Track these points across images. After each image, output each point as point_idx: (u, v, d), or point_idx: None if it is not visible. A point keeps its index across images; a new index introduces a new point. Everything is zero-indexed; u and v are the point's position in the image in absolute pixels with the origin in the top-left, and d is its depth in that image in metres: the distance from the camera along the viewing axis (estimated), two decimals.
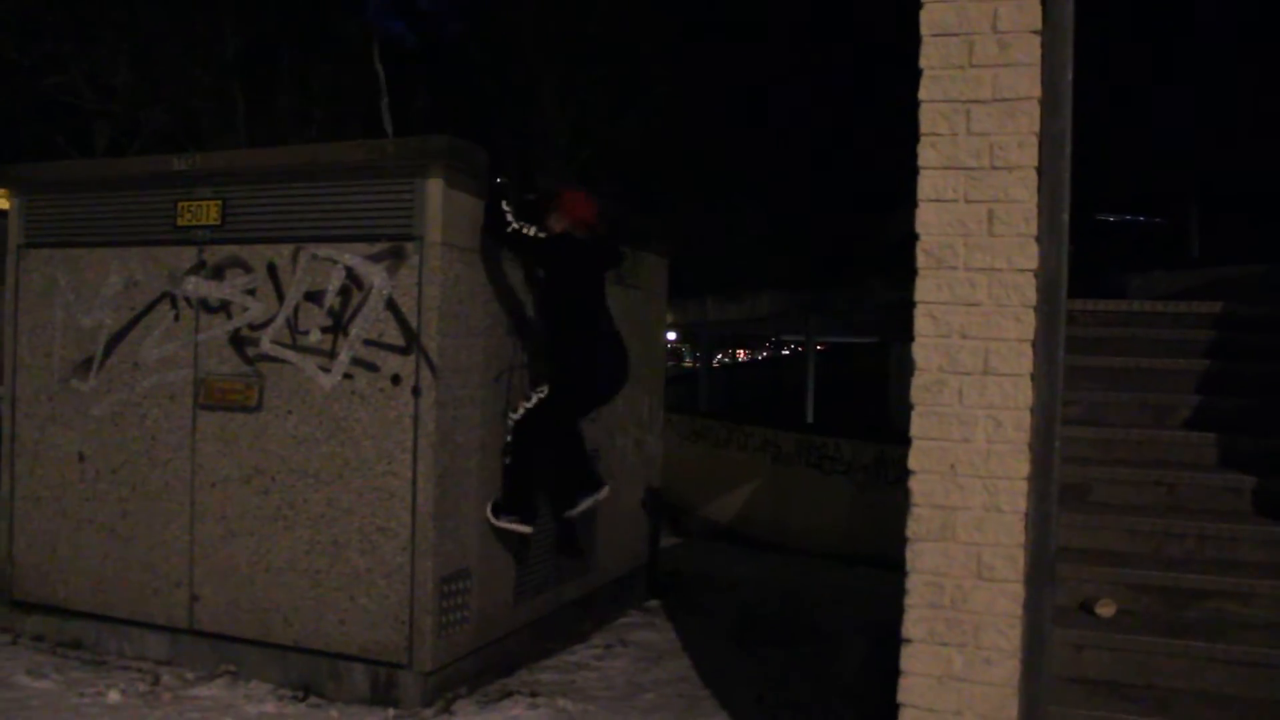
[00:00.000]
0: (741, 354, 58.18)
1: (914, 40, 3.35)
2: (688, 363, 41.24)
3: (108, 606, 5.69)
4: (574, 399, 5.47)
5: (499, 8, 18.00)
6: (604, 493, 5.73)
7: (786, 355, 38.65)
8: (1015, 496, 3.22)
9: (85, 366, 5.81)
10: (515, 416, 5.38)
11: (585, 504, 5.66)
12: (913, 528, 3.27)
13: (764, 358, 46.18)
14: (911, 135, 3.32)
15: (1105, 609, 3.84)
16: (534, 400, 5.35)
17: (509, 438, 5.41)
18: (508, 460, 5.44)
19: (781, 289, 14.47)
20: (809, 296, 13.85)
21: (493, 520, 5.39)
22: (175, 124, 19.46)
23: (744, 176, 21.04)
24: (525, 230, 5.17)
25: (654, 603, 7.55)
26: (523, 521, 5.43)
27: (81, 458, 5.82)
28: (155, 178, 5.66)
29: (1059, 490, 3.32)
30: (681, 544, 10.63)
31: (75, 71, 18.80)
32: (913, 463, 3.27)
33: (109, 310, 5.76)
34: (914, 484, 3.27)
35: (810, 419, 13.82)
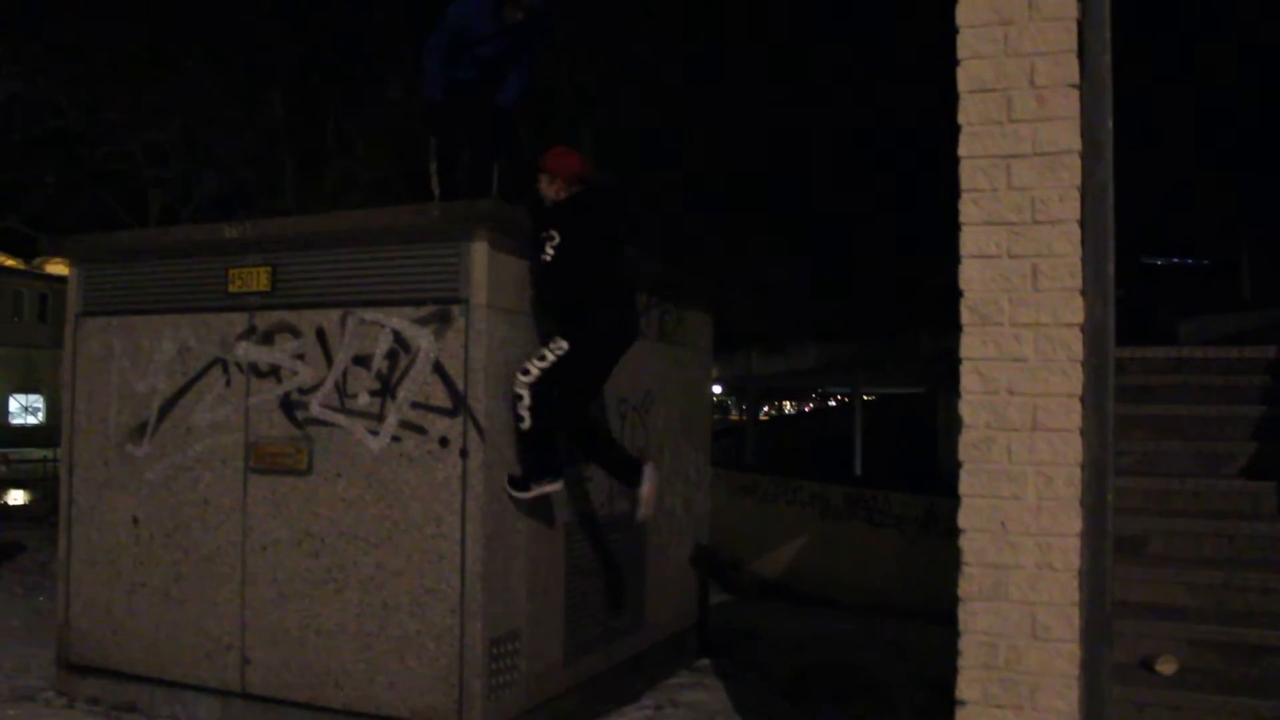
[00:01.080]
0: (788, 406, 57.99)
1: (951, 91, 3.37)
2: (733, 416, 41.12)
3: (161, 669, 5.73)
4: (591, 354, 5.21)
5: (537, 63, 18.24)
6: (649, 474, 5.27)
7: (833, 406, 38.45)
8: (1069, 554, 3.17)
9: (140, 431, 5.91)
10: (526, 379, 5.06)
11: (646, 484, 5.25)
12: (965, 587, 3.23)
13: (810, 409, 45.96)
14: (953, 186, 3.33)
15: (1166, 666, 3.75)
16: (548, 359, 5.07)
17: (525, 400, 5.08)
18: (525, 425, 5.11)
19: (826, 342, 14.43)
20: (854, 349, 13.79)
21: (522, 495, 5.15)
22: (225, 188, 19.90)
23: (786, 227, 21.07)
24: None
25: (705, 661, 7.48)
26: (553, 480, 5.20)
27: (136, 521, 5.90)
28: (207, 245, 5.78)
29: (1114, 544, 3.27)
30: (731, 600, 10.54)
31: (132, 140, 19.29)
32: (963, 521, 3.24)
33: (163, 376, 5.86)
34: (965, 542, 3.24)
35: (858, 471, 13.71)
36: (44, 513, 15.97)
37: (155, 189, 22.52)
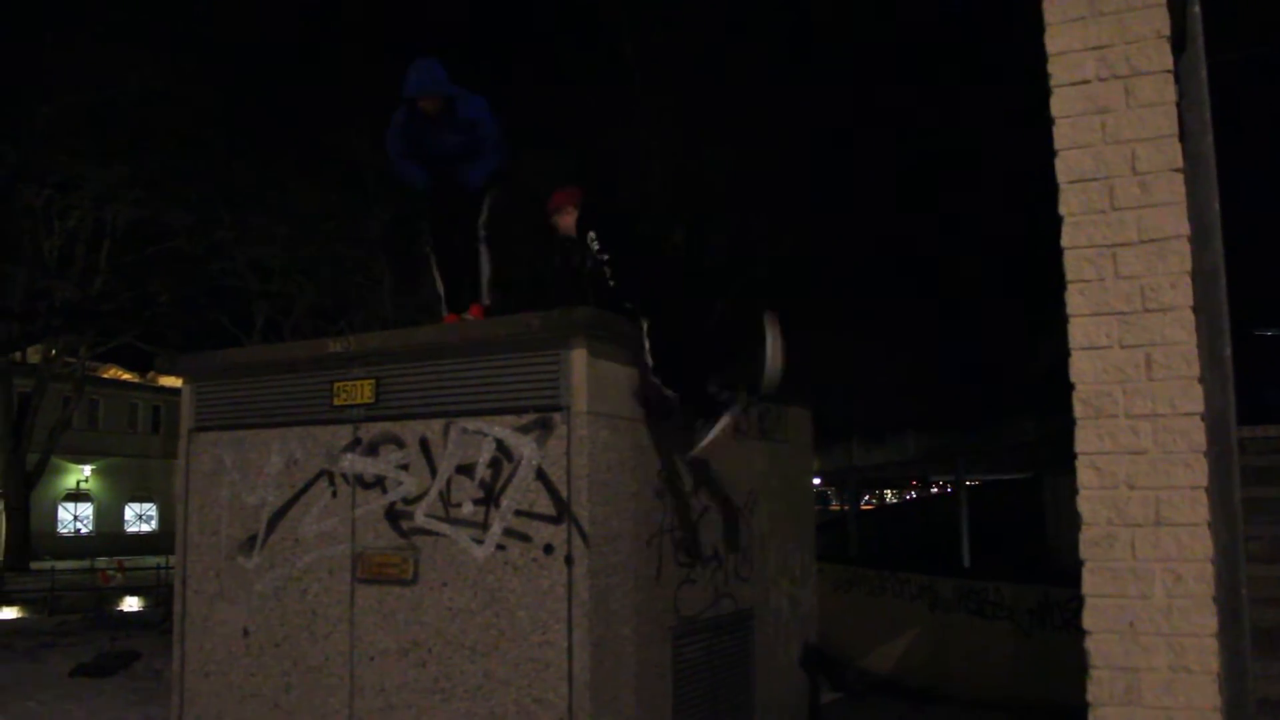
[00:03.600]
0: (889, 495, 56.97)
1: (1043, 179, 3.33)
2: (834, 506, 40.52)
3: None
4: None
5: (629, 179, 18.60)
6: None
7: (935, 494, 37.66)
8: (1204, 654, 3.02)
9: (249, 543, 6.02)
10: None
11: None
12: (1093, 692, 3.08)
13: (912, 498, 45.09)
14: (1049, 272, 3.27)
15: None
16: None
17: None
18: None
19: (926, 430, 14.21)
20: (955, 436, 13.54)
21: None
22: (326, 299, 20.52)
23: (882, 316, 20.94)
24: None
25: None
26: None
27: (246, 633, 5.98)
28: (312, 360, 5.94)
29: (1252, 638, 3.11)
30: (841, 699, 10.26)
31: (238, 257, 20.06)
32: (1087, 622, 3.11)
33: (271, 488, 5.99)
34: (1091, 644, 3.10)
35: (966, 562, 13.34)
36: (158, 619, 16.29)
37: (260, 301, 23.33)
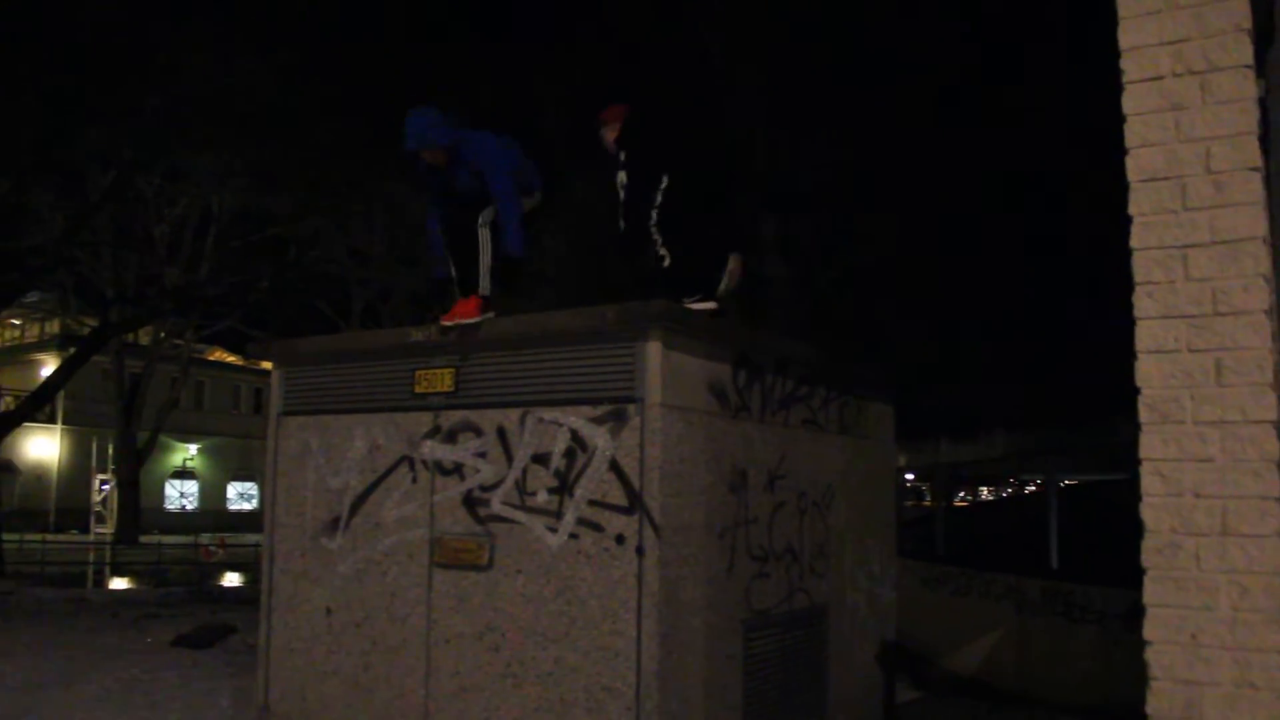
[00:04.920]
0: (985, 492, 55.94)
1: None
2: (927, 502, 40.02)
3: None
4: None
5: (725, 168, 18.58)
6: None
7: (1031, 493, 36.95)
8: (1271, 671, 2.94)
9: (333, 525, 6.20)
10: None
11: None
12: (1153, 704, 3.02)
13: (1007, 496, 44.27)
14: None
15: None
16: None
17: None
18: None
19: (1017, 428, 13.96)
20: (1046, 435, 13.28)
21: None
22: (423, 285, 20.88)
23: (974, 310, 20.63)
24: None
25: None
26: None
27: (329, 612, 6.16)
28: (395, 349, 6.08)
29: None
30: (922, 698, 10.16)
31: (338, 244, 20.51)
32: (1149, 632, 3.05)
33: (354, 473, 6.15)
34: (1151, 655, 3.04)
35: (1055, 564, 13.08)
36: (256, 595, 16.79)
37: (359, 287, 23.83)
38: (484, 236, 5.98)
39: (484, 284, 5.96)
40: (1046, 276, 19.70)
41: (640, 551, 5.05)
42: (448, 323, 5.82)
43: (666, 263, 6.09)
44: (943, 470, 16.92)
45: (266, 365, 7.05)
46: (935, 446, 15.97)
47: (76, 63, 15.94)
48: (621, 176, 6.12)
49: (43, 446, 44.33)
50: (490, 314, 5.81)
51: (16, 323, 47.34)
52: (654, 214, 6.10)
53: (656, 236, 6.12)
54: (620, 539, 5.12)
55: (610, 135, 6.33)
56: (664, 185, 6.09)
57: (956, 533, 18.24)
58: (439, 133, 5.94)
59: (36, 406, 21.02)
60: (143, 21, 16.03)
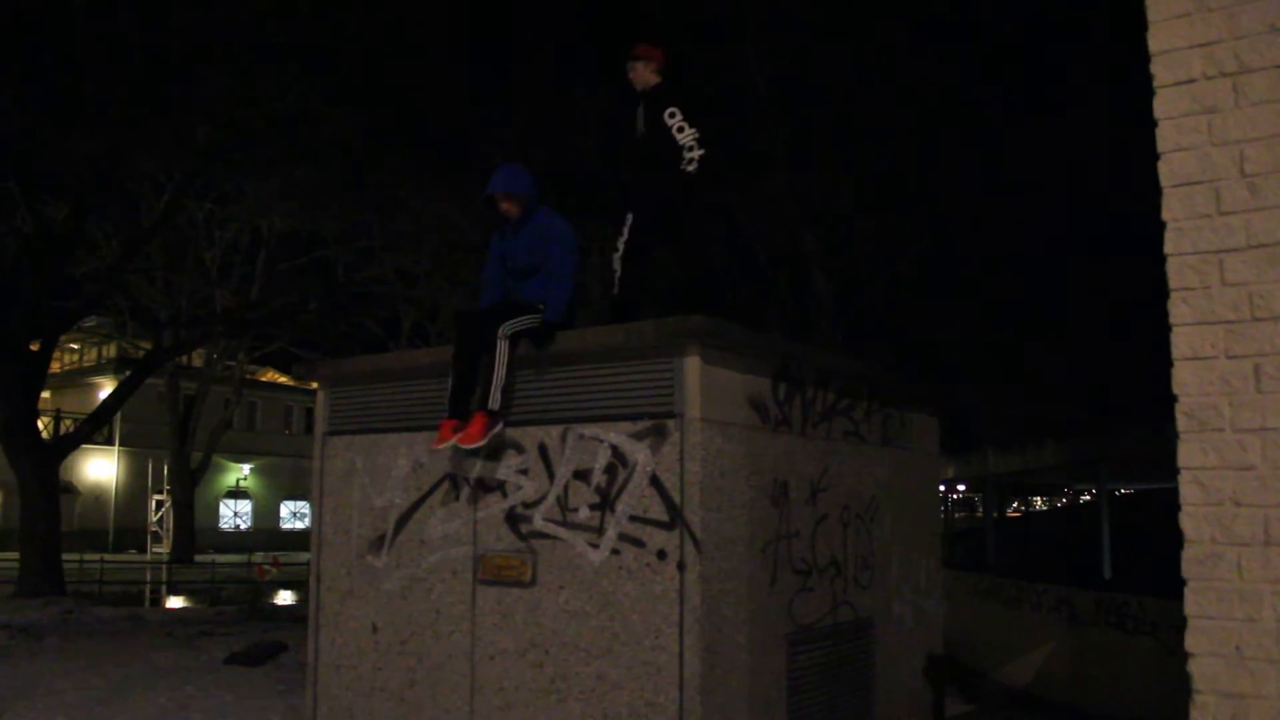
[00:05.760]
0: (1038, 502, 55.25)
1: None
2: (978, 513, 39.64)
3: None
4: None
5: (758, 175, 18.60)
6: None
7: (1086, 503, 36.43)
8: None
9: (378, 543, 6.26)
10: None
11: None
12: (1196, 717, 2.98)
13: (1061, 506, 43.69)
14: None
15: None
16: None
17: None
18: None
19: (1065, 438, 13.79)
20: (1094, 444, 13.10)
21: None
22: (471, 304, 21.10)
23: (1023, 317, 20.44)
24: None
25: None
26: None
27: (375, 629, 6.22)
28: (436, 368, 6.12)
29: None
30: (972, 712, 10.05)
31: (385, 264, 20.72)
32: (1190, 644, 3.00)
33: (399, 491, 6.21)
34: (1194, 667, 2.99)
35: (1107, 574, 12.88)
36: (307, 613, 16.95)
37: (407, 306, 24.05)
38: (502, 350, 5.70)
39: (494, 399, 5.67)
40: (1098, 281, 19.47)
41: (682, 567, 5.06)
42: (440, 446, 5.69)
43: (615, 292, 6.41)
44: (993, 481, 16.74)
45: (315, 385, 7.13)
46: (984, 457, 15.81)
47: (132, 91, 16.28)
48: (670, 130, 6.28)
49: (101, 468, 45.11)
50: (499, 428, 5.69)
51: (75, 347, 48.27)
52: (620, 246, 6.39)
53: (616, 267, 6.41)
54: (662, 554, 5.13)
55: (645, 74, 6.51)
56: (629, 223, 6.39)
57: (1008, 544, 18.04)
58: (525, 183, 6.01)
59: (94, 428, 21.42)
60: (195, 48, 16.35)
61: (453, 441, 5.63)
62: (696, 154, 6.24)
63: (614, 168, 6.62)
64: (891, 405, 7.10)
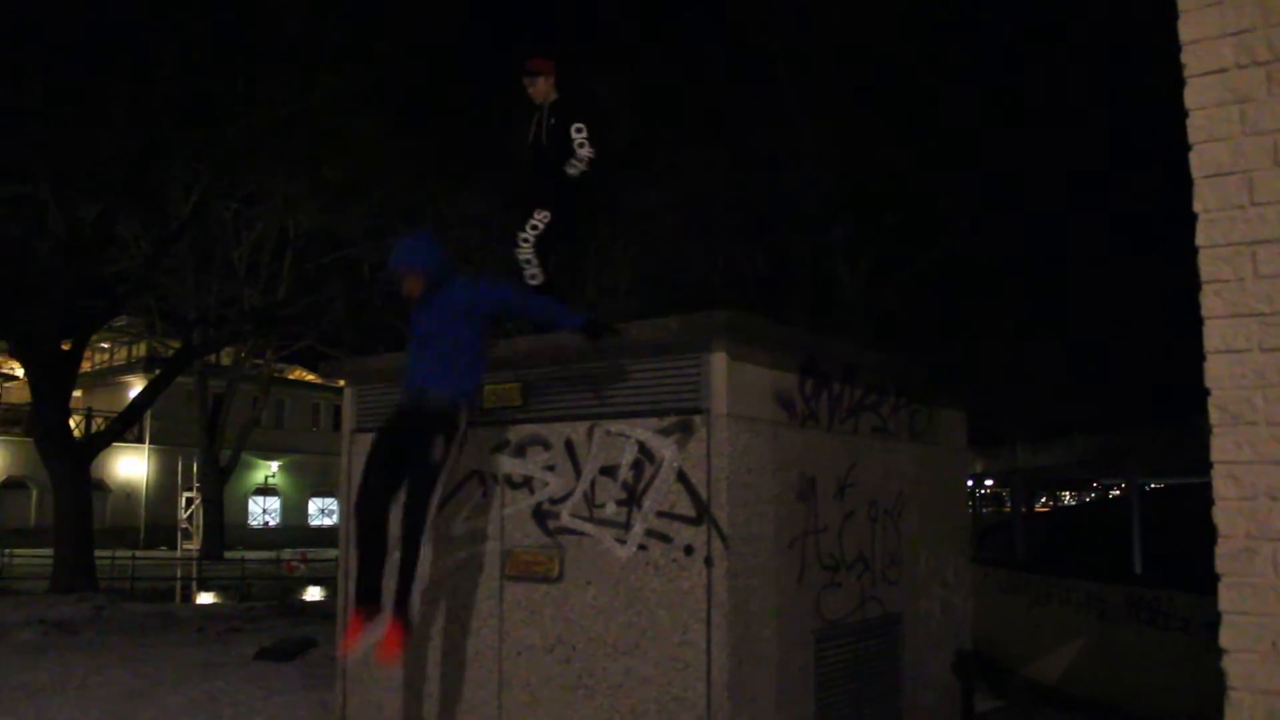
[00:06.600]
0: (1067, 497, 54.84)
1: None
2: (1006, 508, 39.39)
3: None
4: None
5: (784, 168, 18.56)
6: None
7: (1114, 498, 36.15)
8: None
9: None
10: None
11: None
12: (1231, 715, 2.94)
13: (1090, 500, 43.36)
14: None
15: None
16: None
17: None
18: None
19: (1094, 431, 13.68)
20: (1123, 438, 12.98)
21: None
22: None
23: (1047, 312, 20.30)
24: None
25: None
26: None
27: None
28: None
29: None
30: (1000, 708, 9.97)
31: None
32: (1225, 640, 2.97)
33: None
34: (1228, 664, 2.96)
35: (1138, 569, 12.77)
36: (337, 609, 17.05)
37: None
38: (426, 541, 5.00)
39: (414, 604, 5.03)
40: (1124, 274, 19.31)
41: (709, 562, 5.06)
42: (347, 654, 5.39)
43: (538, 281, 6.54)
44: (1021, 476, 16.63)
45: (341, 383, 7.15)
46: (1013, 452, 15.71)
47: (161, 92, 16.41)
48: (575, 145, 6.48)
49: (132, 465, 45.53)
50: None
51: (105, 346, 48.71)
52: (531, 237, 6.51)
53: (531, 257, 6.53)
54: (689, 550, 5.12)
55: (540, 88, 6.66)
56: (547, 219, 6.54)
57: (1037, 539, 17.92)
58: (422, 259, 5.24)
59: (125, 427, 21.61)
60: (219, 49, 16.47)
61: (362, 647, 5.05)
62: (583, 163, 6.50)
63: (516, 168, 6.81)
64: (919, 400, 7.07)
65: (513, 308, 5.76)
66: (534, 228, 6.48)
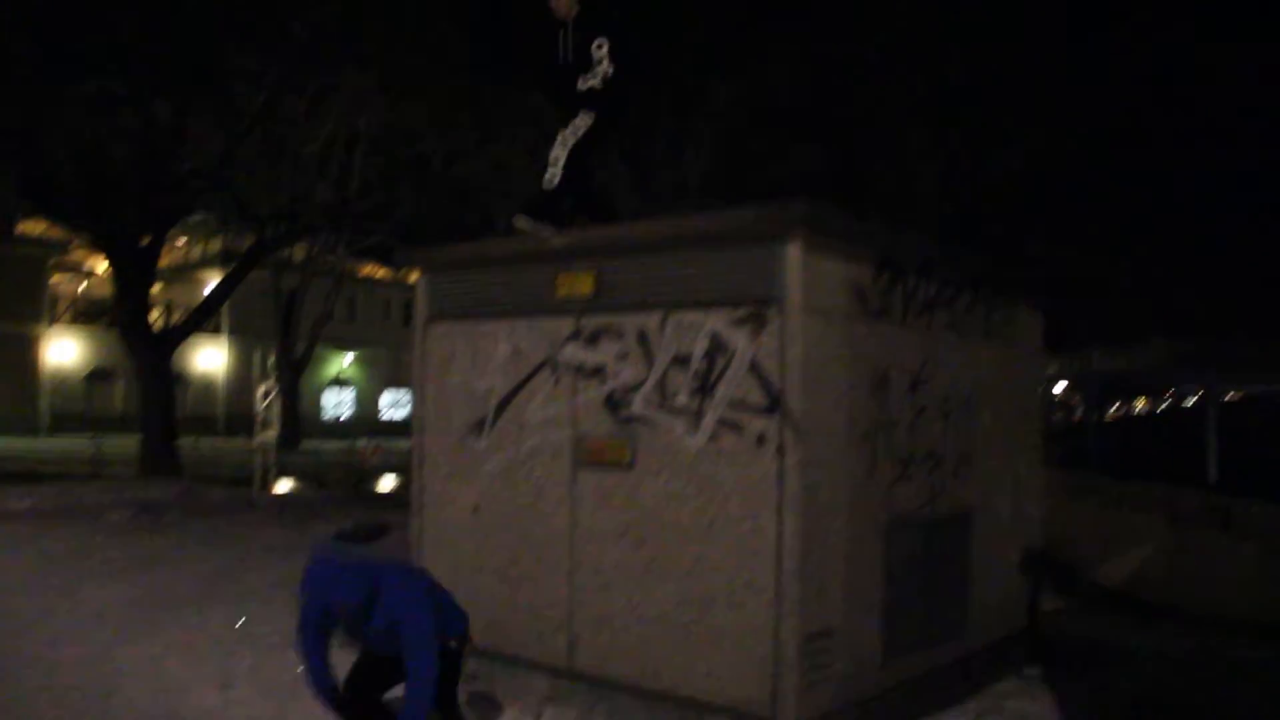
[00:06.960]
0: (1140, 404, 54.01)
1: None
2: (1077, 417, 38.96)
3: (499, 645, 6.12)
4: None
5: (860, 68, 18.12)
6: None
7: (1190, 407, 35.53)
8: None
9: (479, 427, 6.39)
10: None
11: None
12: None
13: (1166, 408, 42.68)
14: None
15: None
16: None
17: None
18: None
19: (1172, 337, 13.37)
20: (1202, 344, 12.67)
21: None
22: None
23: (1133, 215, 19.76)
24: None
25: (1034, 670, 7.14)
26: None
27: (476, 509, 6.39)
28: (536, 254, 6.17)
29: None
30: (1066, 608, 9.99)
31: (479, 158, 20.76)
32: None
33: (499, 375, 6.31)
34: None
35: (1213, 477, 12.58)
36: (409, 498, 17.48)
37: (502, 201, 24.11)
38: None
39: None
40: (1211, 177, 18.70)
41: (781, 452, 5.08)
42: None
43: (555, 182, 6.43)
44: (1096, 379, 16.36)
45: (413, 277, 7.23)
46: (1089, 355, 15.43)
47: None
48: (596, 61, 6.42)
49: (210, 357, 46.62)
50: None
51: (182, 242, 49.51)
52: (568, 139, 6.45)
53: (560, 155, 6.45)
54: (761, 440, 5.15)
55: (564, 2, 6.58)
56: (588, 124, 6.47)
57: (1109, 444, 17.73)
58: (347, 589, 4.37)
59: (202, 319, 22.05)
60: None
61: None
62: (598, 78, 6.43)
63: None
64: (995, 299, 6.96)
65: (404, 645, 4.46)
66: (574, 132, 6.46)
